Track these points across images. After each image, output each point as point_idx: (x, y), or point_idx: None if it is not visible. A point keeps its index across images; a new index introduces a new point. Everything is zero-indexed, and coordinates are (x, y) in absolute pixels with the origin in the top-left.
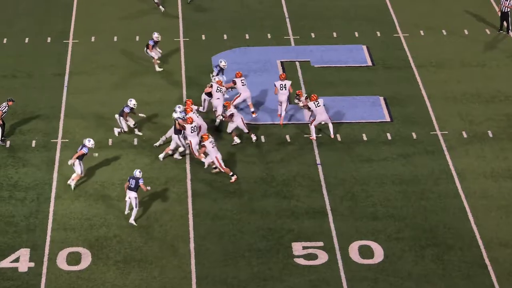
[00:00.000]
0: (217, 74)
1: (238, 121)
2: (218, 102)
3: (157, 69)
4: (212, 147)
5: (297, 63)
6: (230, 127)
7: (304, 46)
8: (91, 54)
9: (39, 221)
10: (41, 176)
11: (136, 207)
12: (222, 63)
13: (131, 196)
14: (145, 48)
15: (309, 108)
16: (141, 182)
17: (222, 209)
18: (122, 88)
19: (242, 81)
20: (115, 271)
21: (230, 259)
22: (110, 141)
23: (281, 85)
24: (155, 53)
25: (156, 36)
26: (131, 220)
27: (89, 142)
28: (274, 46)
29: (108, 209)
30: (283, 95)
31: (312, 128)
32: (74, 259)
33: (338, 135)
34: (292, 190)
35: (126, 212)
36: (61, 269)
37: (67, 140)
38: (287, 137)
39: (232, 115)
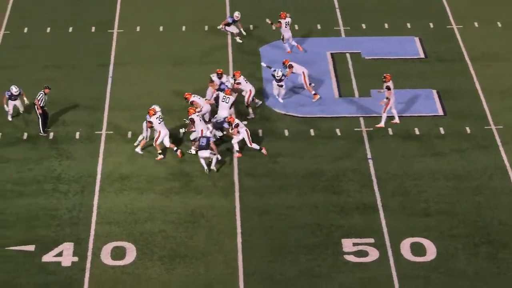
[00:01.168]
0: (231, 24)
1: (243, 133)
2: (222, 113)
3: (238, 40)
4: (200, 120)
5: (348, 55)
6: (235, 140)
7: (355, 37)
8: (136, 44)
9: (82, 215)
10: (85, 168)
11: (216, 158)
12: (236, 14)
13: (204, 155)
14: (223, 25)
15: (389, 89)
16: (211, 140)
17: (269, 204)
18: (168, 79)
19: (245, 79)
20: (160, 267)
21: (277, 255)
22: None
23: (224, 98)
24: (233, 29)
25: (236, 15)
26: (213, 166)
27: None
28: (324, 37)
29: (153, 203)
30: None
31: (384, 116)
32: (118, 253)
33: (389, 129)
34: (342, 185)
35: (206, 170)
36: (105, 264)
37: (111, 132)
38: (337, 130)
39: (237, 126)
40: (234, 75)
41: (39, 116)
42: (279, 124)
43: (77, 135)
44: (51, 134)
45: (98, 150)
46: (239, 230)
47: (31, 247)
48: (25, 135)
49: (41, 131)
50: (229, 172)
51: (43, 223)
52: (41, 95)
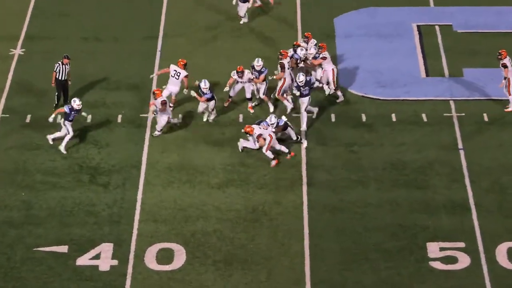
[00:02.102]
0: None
1: (289, 130)
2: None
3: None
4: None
5: (437, 27)
6: (264, 148)
7: (445, 7)
8: (188, 14)
9: (124, 211)
10: (128, 157)
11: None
12: (257, 63)
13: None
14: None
15: (505, 67)
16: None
17: (343, 201)
18: (223, 53)
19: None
20: (214, 273)
21: (351, 261)
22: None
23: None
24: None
25: None
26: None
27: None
28: (408, 6)
29: (207, 198)
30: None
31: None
32: (165, 257)
33: (484, 114)
34: (428, 180)
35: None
36: (150, 269)
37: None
38: (423, 116)
39: (260, 136)
40: (320, 46)
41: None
42: (356, 108)
43: (119, 118)
44: (89, 117)
45: (143, 136)
46: (306, 231)
47: (64, 248)
48: (59, 118)
49: (55, 104)
50: (296, 163)
51: (78, 221)
52: (58, 65)
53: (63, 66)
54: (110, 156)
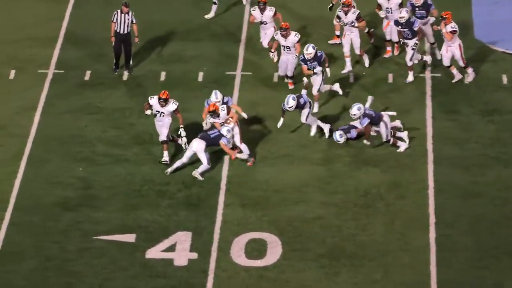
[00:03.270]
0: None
1: (381, 128)
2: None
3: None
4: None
5: None
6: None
7: None
8: None
9: (205, 192)
10: None
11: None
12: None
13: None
14: None
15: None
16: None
17: (478, 183)
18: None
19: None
20: (317, 270)
21: (489, 258)
22: None
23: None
24: None
25: None
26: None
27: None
28: None
29: (308, 178)
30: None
31: None
32: (256, 249)
33: None
34: None
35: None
36: (237, 264)
37: (249, 73)
38: None
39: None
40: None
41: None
42: (495, 68)
43: (200, 76)
44: (163, 74)
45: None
46: (432, 219)
47: (130, 237)
48: (125, 76)
49: (114, 67)
50: (419, 136)
51: (148, 203)
52: (115, 14)
53: (122, 15)
54: (189, 123)
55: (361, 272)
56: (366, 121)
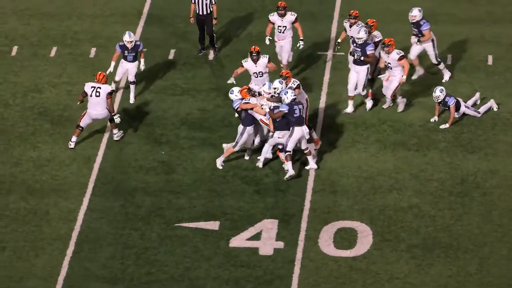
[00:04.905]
0: None
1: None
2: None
3: None
4: None
5: None
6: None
7: None
8: None
9: (293, 178)
10: None
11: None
12: None
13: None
14: None
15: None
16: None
17: None
18: None
19: None
20: (409, 262)
21: None
22: None
23: None
24: None
25: None
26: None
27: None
28: None
29: (401, 163)
30: None
31: None
32: (346, 239)
33: None
34: None
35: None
36: (326, 254)
37: (341, 54)
38: None
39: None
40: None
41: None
42: None
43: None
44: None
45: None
46: None
47: (214, 225)
48: (211, 56)
49: (199, 48)
50: None
51: (233, 189)
52: None
53: None
54: None
55: (455, 265)
56: (453, 100)
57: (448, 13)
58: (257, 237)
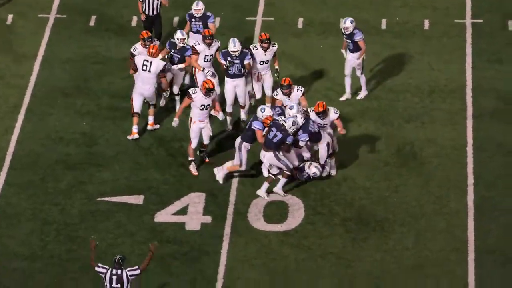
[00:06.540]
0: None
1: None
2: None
3: None
4: None
5: None
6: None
7: None
8: None
9: (221, 152)
10: None
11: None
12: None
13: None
14: None
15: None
16: None
17: None
18: None
19: None
20: (343, 236)
21: None
22: None
23: None
24: None
25: None
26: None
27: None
28: None
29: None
30: None
31: None
32: (276, 213)
33: None
34: None
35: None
36: (255, 229)
37: None
38: None
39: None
40: None
41: None
42: None
43: (216, 21)
44: (175, 20)
45: None
46: (471, 180)
47: (138, 199)
48: (134, 22)
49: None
50: (456, 88)
51: (158, 162)
52: None
53: None
54: None
55: (391, 238)
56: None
57: None
58: (183, 211)
